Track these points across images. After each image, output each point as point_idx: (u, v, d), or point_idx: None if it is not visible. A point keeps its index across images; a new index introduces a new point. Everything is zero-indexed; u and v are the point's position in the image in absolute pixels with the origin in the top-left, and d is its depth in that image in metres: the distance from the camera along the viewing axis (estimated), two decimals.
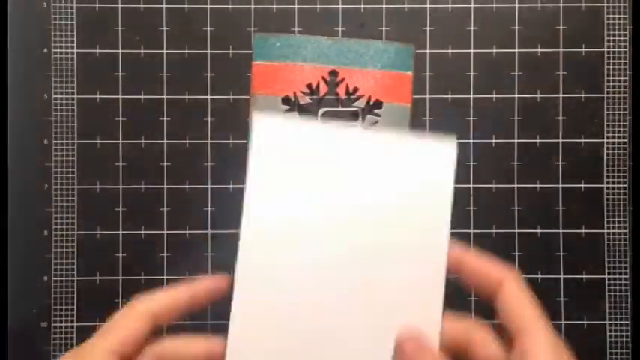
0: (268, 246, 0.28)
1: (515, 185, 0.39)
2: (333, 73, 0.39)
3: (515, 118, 0.39)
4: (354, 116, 0.39)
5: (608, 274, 0.39)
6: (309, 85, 0.39)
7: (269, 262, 0.28)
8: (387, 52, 0.39)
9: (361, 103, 0.39)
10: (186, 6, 0.39)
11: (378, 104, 0.39)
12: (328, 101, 0.39)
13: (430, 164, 0.28)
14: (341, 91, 0.39)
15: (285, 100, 0.39)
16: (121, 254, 0.39)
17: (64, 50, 0.39)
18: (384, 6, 0.39)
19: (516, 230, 0.39)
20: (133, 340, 0.28)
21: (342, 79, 0.39)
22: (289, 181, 0.28)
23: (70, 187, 0.39)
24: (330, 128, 0.28)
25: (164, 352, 0.29)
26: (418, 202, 0.28)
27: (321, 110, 0.39)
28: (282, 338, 0.28)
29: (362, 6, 0.39)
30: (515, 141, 0.39)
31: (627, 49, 0.39)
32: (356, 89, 0.39)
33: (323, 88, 0.39)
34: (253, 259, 0.28)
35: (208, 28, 0.39)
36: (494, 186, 0.39)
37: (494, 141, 0.39)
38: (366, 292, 0.28)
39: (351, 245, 0.28)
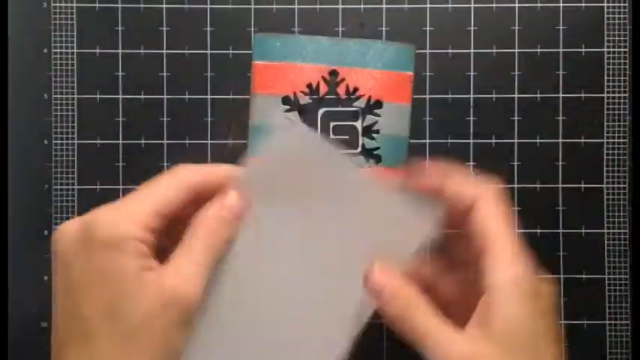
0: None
1: (516, 185, 0.39)
2: (334, 73, 0.39)
3: (515, 117, 0.39)
4: (353, 116, 0.39)
5: (608, 274, 0.39)
6: (309, 85, 0.38)
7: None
8: (387, 51, 0.39)
9: (361, 103, 0.39)
10: (186, 6, 0.39)
11: (378, 104, 0.38)
12: (328, 101, 0.39)
13: (409, 228, 0.30)
14: (341, 91, 0.39)
15: (285, 101, 0.39)
16: None
17: (64, 50, 0.39)
18: (384, 6, 0.39)
19: (516, 230, 0.39)
20: (174, 205, 0.28)
21: (343, 79, 0.39)
22: (279, 193, 0.31)
23: (70, 187, 0.39)
24: (336, 155, 0.31)
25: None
26: (388, 244, 0.30)
27: (321, 110, 0.39)
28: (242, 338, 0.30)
29: (362, 6, 0.39)
30: (516, 141, 0.39)
31: (627, 49, 0.39)
32: (356, 89, 0.39)
33: (323, 88, 0.39)
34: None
35: (208, 28, 0.39)
36: None
37: (494, 141, 0.39)
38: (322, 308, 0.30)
39: (313, 267, 0.30)
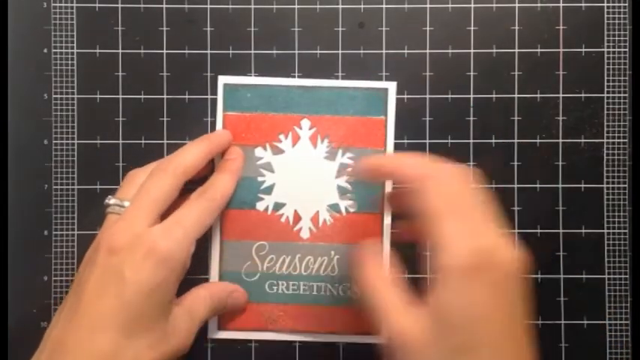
0: None
1: (515, 185, 0.39)
2: (306, 121, 0.39)
3: (516, 118, 0.39)
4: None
5: (608, 274, 0.39)
6: (281, 135, 0.39)
7: None
8: (357, 98, 0.39)
9: (334, 151, 0.39)
10: (186, 6, 0.39)
11: (351, 151, 0.38)
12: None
13: None
14: (313, 139, 0.39)
15: (259, 151, 0.39)
16: None
17: (64, 50, 0.39)
18: (384, 6, 0.39)
19: (516, 230, 0.39)
20: (170, 198, 0.34)
21: (314, 128, 0.39)
22: None
23: (70, 187, 0.39)
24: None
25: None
26: None
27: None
28: None
29: (362, 6, 0.39)
30: (516, 141, 0.39)
31: (627, 49, 0.39)
32: (328, 137, 0.39)
33: (295, 137, 0.39)
34: None
35: (208, 28, 0.39)
36: (494, 186, 0.39)
37: (494, 141, 0.39)
38: None
39: None
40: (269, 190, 0.38)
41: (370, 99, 0.39)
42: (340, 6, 0.39)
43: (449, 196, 0.28)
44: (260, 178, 0.38)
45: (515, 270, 0.28)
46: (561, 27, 0.39)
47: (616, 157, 0.39)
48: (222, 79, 0.39)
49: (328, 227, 0.38)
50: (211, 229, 0.38)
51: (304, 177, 0.39)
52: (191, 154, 0.35)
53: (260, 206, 0.38)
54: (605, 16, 0.39)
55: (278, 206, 0.38)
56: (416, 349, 0.27)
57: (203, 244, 0.38)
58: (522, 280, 0.28)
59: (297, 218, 0.38)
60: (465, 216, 0.28)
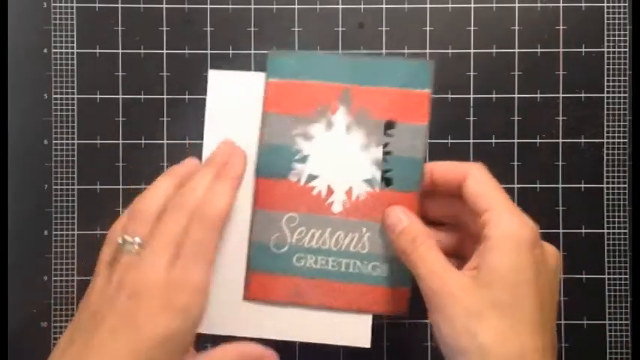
0: None
1: (516, 185, 0.39)
2: (347, 91, 0.37)
3: (516, 117, 0.39)
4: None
5: (608, 274, 0.39)
6: (322, 104, 0.37)
7: None
8: (402, 69, 0.37)
9: (374, 124, 0.37)
10: (186, 6, 0.39)
11: (391, 125, 0.37)
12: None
13: None
14: (354, 110, 0.37)
15: (297, 119, 0.37)
16: None
17: (64, 50, 0.39)
18: (384, 6, 0.39)
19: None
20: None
21: (356, 98, 0.37)
22: (238, 127, 0.38)
23: (70, 187, 0.39)
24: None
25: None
26: None
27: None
28: None
29: (362, 6, 0.39)
30: (516, 141, 0.39)
31: (627, 49, 0.39)
32: (369, 110, 0.37)
33: (335, 107, 0.37)
34: None
35: (208, 28, 0.39)
36: None
37: (494, 141, 0.39)
38: None
39: None
40: (303, 160, 0.37)
41: (417, 70, 0.37)
42: (340, 6, 0.39)
43: (496, 184, 0.34)
44: (295, 147, 0.37)
45: (557, 261, 0.33)
46: (561, 27, 0.39)
47: (616, 157, 0.39)
48: (270, 54, 0.38)
49: (361, 202, 0.37)
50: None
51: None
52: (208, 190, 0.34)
53: (293, 177, 0.37)
54: (605, 16, 0.39)
55: (311, 178, 0.37)
56: (456, 299, 0.30)
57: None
58: (558, 274, 0.33)
59: (330, 192, 0.37)
60: (514, 207, 0.33)
